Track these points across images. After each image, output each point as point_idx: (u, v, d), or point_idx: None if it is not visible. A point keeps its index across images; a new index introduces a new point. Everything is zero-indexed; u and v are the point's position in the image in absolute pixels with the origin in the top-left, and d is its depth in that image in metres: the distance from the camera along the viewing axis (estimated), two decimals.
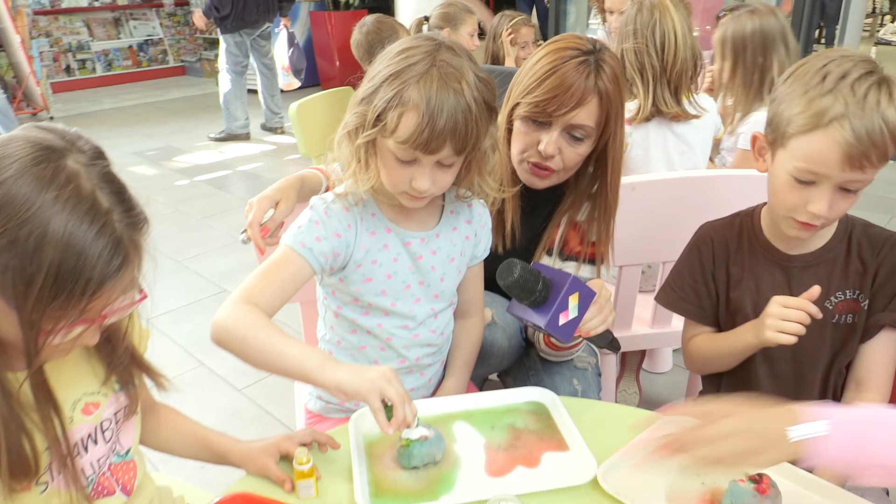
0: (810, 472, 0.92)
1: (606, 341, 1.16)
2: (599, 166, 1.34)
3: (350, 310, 1.20)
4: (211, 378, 2.49)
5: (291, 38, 5.36)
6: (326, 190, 1.38)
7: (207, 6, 5.18)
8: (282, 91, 5.75)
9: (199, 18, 5.41)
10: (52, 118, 6.38)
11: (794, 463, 0.82)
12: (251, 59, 5.53)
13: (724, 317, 1.26)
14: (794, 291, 1.09)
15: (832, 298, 1.16)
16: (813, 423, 0.78)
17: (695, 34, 1.97)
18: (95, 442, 0.89)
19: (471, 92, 1.01)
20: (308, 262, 1.10)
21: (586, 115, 1.23)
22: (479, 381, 1.54)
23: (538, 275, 1.03)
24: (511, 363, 1.46)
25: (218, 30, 5.36)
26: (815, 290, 1.07)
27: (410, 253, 1.17)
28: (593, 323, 1.09)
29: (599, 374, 1.46)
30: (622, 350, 1.56)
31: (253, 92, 5.86)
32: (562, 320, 1.04)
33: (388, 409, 0.93)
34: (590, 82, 1.21)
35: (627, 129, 1.89)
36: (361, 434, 1.05)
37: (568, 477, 0.95)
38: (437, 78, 0.99)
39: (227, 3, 5.11)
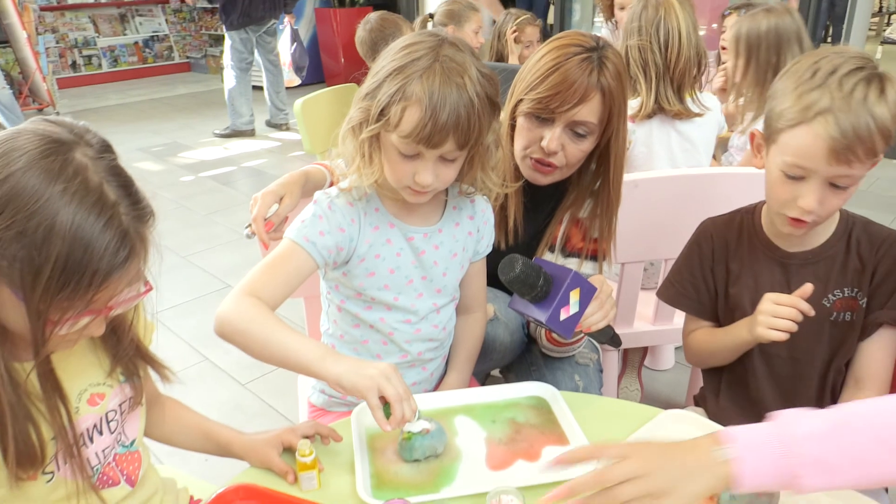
0: None
1: (608, 337, 1.16)
2: (602, 163, 1.35)
3: (353, 304, 1.21)
4: (215, 372, 2.50)
5: (295, 35, 5.37)
6: (330, 185, 1.39)
7: None
8: (286, 88, 5.77)
9: None
10: (58, 114, 6.38)
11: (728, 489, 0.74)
12: (256, 56, 5.53)
13: (723, 312, 1.27)
14: (792, 288, 1.09)
15: (830, 296, 1.16)
16: (729, 445, 0.73)
17: (701, 33, 1.96)
18: (101, 432, 0.90)
19: (473, 87, 1.01)
20: (311, 256, 1.11)
21: (589, 112, 1.24)
22: (482, 377, 1.54)
23: (539, 270, 1.04)
24: (513, 359, 1.46)
25: (223, 26, 5.37)
26: (808, 288, 1.07)
27: (413, 248, 1.18)
28: (594, 318, 1.09)
29: (601, 371, 1.46)
30: (624, 347, 1.57)
31: (258, 88, 5.86)
32: (563, 315, 1.05)
33: (387, 405, 0.93)
34: (593, 79, 1.22)
35: (631, 126, 1.89)
36: (364, 427, 1.06)
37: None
38: (439, 72, 1.00)
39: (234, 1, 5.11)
